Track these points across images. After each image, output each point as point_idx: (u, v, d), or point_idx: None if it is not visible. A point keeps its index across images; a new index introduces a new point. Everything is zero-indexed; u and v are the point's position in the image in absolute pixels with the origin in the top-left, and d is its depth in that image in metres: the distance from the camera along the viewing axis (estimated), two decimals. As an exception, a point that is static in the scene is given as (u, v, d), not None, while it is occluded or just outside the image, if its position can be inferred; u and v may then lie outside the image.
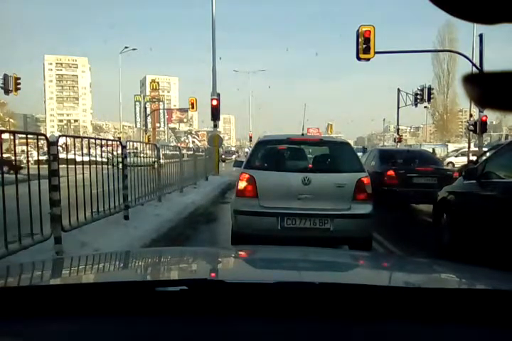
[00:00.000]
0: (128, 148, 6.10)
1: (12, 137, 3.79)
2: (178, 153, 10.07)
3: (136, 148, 7.75)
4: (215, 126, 18.02)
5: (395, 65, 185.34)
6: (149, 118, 46.68)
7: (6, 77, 19.16)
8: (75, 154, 5.10)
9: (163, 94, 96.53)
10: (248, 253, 1.73)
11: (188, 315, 0.83)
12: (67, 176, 4.33)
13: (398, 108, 30.39)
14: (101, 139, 6.47)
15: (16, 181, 3.42)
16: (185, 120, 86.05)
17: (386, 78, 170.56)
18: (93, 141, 6.20)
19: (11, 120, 66.28)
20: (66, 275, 1.30)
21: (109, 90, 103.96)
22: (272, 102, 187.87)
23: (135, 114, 61.53)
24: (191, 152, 12.99)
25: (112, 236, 4.49)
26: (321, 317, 0.82)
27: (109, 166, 5.67)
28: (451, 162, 27.25)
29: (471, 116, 21.90)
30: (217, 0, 17.29)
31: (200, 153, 14.40)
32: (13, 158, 3.67)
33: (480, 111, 16.16)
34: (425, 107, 41.78)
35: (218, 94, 17.02)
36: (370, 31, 12.33)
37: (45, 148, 3.99)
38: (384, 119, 54.29)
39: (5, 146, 3.84)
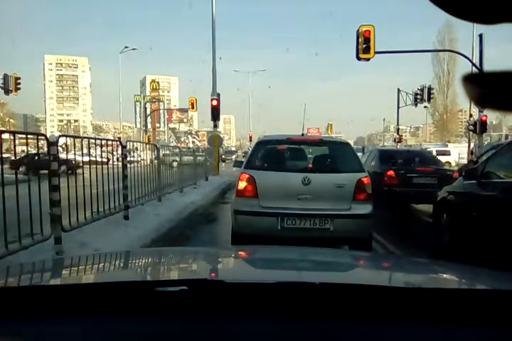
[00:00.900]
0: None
1: (12, 137, 3.79)
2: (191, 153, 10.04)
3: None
4: (215, 126, 18.02)
5: (395, 65, 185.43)
6: (149, 119, 46.70)
7: (6, 77, 19.16)
8: (75, 154, 5.10)
9: (163, 94, 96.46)
10: (248, 253, 1.73)
11: (188, 315, 0.83)
12: (67, 176, 4.34)
13: (398, 108, 30.41)
14: (101, 139, 6.47)
15: (16, 181, 3.42)
16: (185, 120, 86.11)
17: (386, 78, 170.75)
18: (93, 141, 6.21)
19: (11, 120, 66.30)
20: (66, 276, 1.30)
21: (109, 90, 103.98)
22: (272, 102, 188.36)
23: (135, 114, 61.56)
24: (191, 152, 13.00)
25: (111, 236, 4.49)
26: (321, 317, 0.82)
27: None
28: (448, 161, 27.35)
29: (471, 116, 21.90)
30: (217, 0, 17.32)
31: (200, 153, 14.41)
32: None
33: (480, 111, 16.18)
34: (425, 107, 41.85)
35: (218, 94, 17.03)
36: (370, 31, 12.33)
37: (45, 148, 3.99)
38: (384, 119, 54.24)
39: (5, 146, 3.84)
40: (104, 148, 6.02)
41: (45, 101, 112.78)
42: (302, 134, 5.66)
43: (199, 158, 13.01)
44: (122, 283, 0.99)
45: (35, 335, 0.80)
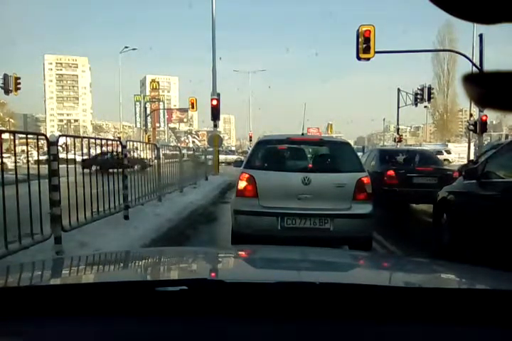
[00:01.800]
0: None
1: (12, 137, 3.79)
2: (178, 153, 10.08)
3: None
4: (215, 126, 18.03)
5: (395, 65, 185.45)
6: (149, 118, 46.68)
7: (6, 77, 19.15)
8: (74, 154, 5.10)
9: (163, 94, 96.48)
10: (248, 253, 1.73)
11: (188, 315, 0.83)
12: (67, 176, 4.33)
13: (398, 108, 30.43)
14: (101, 139, 6.47)
15: (15, 181, 3.42)
16: (185, 120, 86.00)
17: (386, 78, 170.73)
18: (93, 140, 6.20)
19: (11, 120, 66.27)
20: (66, 275, 1.30)
21: (109, 90, 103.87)
22: (272, 102, 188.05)
23: (135, 114, 61.51)
24: (191, 152, 13.01)
25: (112, 236, 4.49)
26: (321, 317, 0.82)
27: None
28: (446, 159, 27.46)
29: (471, 115, 21.89)
30: (217, 0, 17.32)
31: (200, 153, 14.41)
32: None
33: (480, 111, 16.17)
34: (425, 107, 41.80)
35: (218, 94, 17.04)
36: (370, 31, 12.33)
37: (45, 148, 3.99)
38: (384, 119, 54.28)
39: (5, 146, 3.84)
40: (104, 148, 6.02)
41: (45, 101, 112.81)
42: (302, 134, 5.66)
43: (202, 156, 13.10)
44: (122, 283, 0.99)
45: (35, 335, 0.80)
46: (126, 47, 42.98)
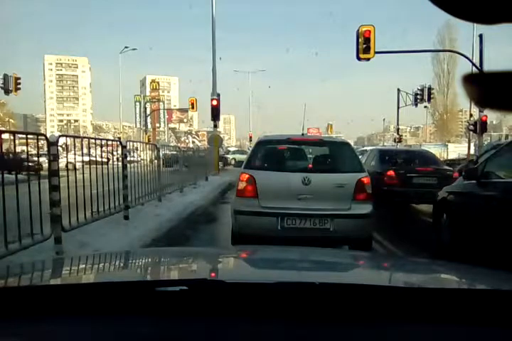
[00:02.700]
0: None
1: (12, 137, 3.79)
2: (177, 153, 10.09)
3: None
4: (215, 126, 18.04)
5: (395, 65, 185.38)
6: (149, 119, 46.72)
7: (6, 77, 19.17)
8: (75, 154, 5.10)
9: (163, 94, 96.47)
10: (248, 253, 1.73)
11: (188, 315, 0.83)
12: (67, 176, 4.33)
13: (398, 108, 30.43)
14: (101, 139, 6.47)
15: (15, 181, 3.42)
16: (185, 120, 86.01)
17: (386, 78, 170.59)
18: (93, 141, 6.21)
19: (11, 120, 66.27)
20: (66, 276, 1.30)
21: (109, 90, 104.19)
22: (272, 102, 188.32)
23: (135, 114, 61.54)
24: (191, 152, 13.01)
25: (112, 236, 4.49)
26: (321, 317, 0.82)
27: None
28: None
29: (471, 116, 21.91)
30: (217, 0, 17.33)
31: (201, 153, 14.40)
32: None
33: (480, 111, 16.19)
34: (425, 107, 41.84)
35: (218, 94, 17.05)
36: (370, 31, 12.33)
37: (45, 148, 3.99)
38: (384, 119, 54.33)
39: (5, 146, 3.84)
40: (104, 148, 6.02)
41: (45, 101, 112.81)
42: (302, 134, 5.65)
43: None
44: (122, 283, 0.99)
45: (35, 335, 0.80)
46: (126, 47, 42.95)
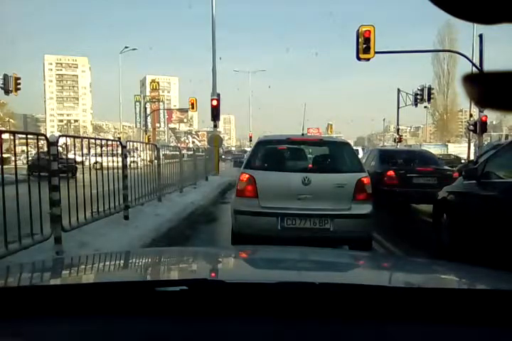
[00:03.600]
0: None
1: (12, 137, 3.79)
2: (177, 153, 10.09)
3: None
4: (215, 126, 18.03)
5: (395, 65, 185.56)
6: (149, 119, 46.70)
7: (6, 77, 19.14)
8: (75, 154, 5.10)
9: (163, 94, 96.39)
10: (248, 253, 1.73)
11: (188, 315, 0.83)
12: (67, 176, 4.33)
13: (398, 108, 30.42)
14: (101, 139, 6.47)
15: (15, 181, 3.42)
16: (185, 120, 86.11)
17: (386, 78, 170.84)
18: (93, 141, 6.20)
19: (11, 120, 66.26)
20: (66, 276, 1.30)
21: (109, 90, 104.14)
22: (272, 102, 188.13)
23: (135, 114, 61.61)
24: (191, 152, 13.01)
25: (111, 236, 4.49)
26: (321, 317, 0.82)
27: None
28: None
29: (471, 116, 21.92)
30: (217, 0, 17.32)
31: (200, 153, 14.41)
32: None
33: (480, 111, 16.16)
34: (425, 107, 41.80)
35: (218, 94, 17.04)
36: (370, 31, 12.32)
37: (45, 148, 3.99)
38: (384, 119, 54.32)
39: (5, 146, 3.84)
40: (104, 148, 6.02)
41: (45, 101, 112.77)
42: (302, 134, 5.65)
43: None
44: (122, 283, 0.99)
45: (35, 335, 0.80)
46: (126, 47, 42.88)
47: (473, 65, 14.69)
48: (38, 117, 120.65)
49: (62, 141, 4.27)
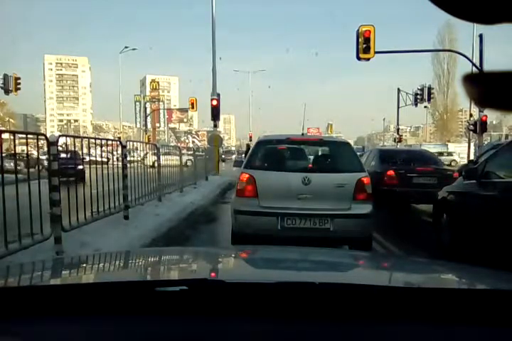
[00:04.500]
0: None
1: (12, 137, 3.79)
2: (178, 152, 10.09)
3: None
4: (215, 126, 18.03)
5: (395, 65, 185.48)
6: (149, 119, 46.74)
7: (6, 77, 19.16)
8: (74, 154, 5.10)
9: (163, 94, 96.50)
10: (248, 253, 1.73)
11: (188, 315, 0.83)
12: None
13: (398, 108, 30.45)
14: (101, 139, 6.47)
15: (15, 181, 3.42)
16: (185, 120, 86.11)
17: (386, 78, 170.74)
18: (93, 140, 6.20)
19: (11, 120, 66.27)
20: (66, 276, 1.30)
21: (109, 90, 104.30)
22: (272, 102, 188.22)
23: (135, 114, 61.68)
24: (191, 152, 13.00)
25: (111, 236, 4.49)
26: (321, 317, 0.82)
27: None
28: (454, 160, 27.89)
29: (471, 115, 21.89)
30: (217, 0, 17.32)
31: (200, 153, 14.40)
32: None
33: (480, 111, 16.17)
34: (425, 107, 41.84)
35: (218, 94, 17.04)
36: (370, 31, 12.33)
37: (45, 148, 3.99)
38: (384, 119, 54.28)
39: (5, 146, 3.84)
40: (104, 148, 6.02)
41: (45, 101, 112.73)
42: (302, 134, 5.66)
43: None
44: (122, 283, 0.99)
45: (35, 335, 0.80)
46: (126, 47, 42.95)
47: (473, 64, 14.70)
48: (38, 117, 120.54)
49: (62, 140, 4.27)
